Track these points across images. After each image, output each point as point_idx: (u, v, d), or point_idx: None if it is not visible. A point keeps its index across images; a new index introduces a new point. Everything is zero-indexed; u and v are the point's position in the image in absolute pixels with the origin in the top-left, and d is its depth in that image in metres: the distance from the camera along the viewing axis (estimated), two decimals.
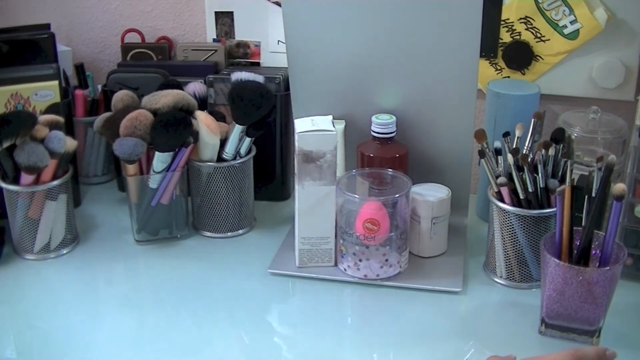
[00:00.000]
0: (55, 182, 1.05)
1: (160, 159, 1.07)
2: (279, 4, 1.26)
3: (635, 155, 0.97)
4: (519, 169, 0.94)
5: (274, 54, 1.32)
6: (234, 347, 0.89)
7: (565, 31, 1.15)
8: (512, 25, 1.17)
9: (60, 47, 1.30)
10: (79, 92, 1.28)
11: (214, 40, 1.36)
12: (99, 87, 1.32)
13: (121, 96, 1.13)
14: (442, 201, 1.03)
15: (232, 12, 1.33)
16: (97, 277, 1.05)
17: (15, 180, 1.04)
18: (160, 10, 1.39)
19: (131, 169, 1.08)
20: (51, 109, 1.15)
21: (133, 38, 1.40)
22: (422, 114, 1.09)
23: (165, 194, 1.10)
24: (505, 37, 1.19)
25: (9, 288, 1.01)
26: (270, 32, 1.31)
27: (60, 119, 1.08)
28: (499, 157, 0.99)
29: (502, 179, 0.95)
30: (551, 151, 0.94)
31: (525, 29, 1.17)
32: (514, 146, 0.98)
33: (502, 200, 0.96)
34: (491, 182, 0.97)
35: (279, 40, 1.30)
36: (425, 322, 0.92)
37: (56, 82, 1.16)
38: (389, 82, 1.08)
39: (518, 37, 1.18)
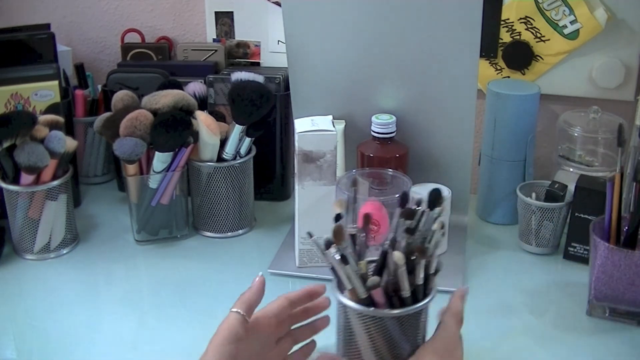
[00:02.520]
0: (55, 182, 1.05)
1: (160, 159, 1.07)
2: (279, 4, 1.26)
3: (635, 155, 0.97)
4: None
5: (274, 54, 1.32)
6: None
7: (565, 31, 1.15)
8: (512, 25, 1.17)
9: (60, 47, 1.30)
10: (79, 92, 1.28)
11: (214, 40, 1.36)
12: (99, 87, 1.32)
13: (121, 96, 1.13)
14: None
15: (232, 12, 1.34)
16: (97, 277, 1.05)
17: (15, 180, 1.04)
18: (160, 10, 1.39)
19: (131, 169, 1.08)
20: (51, 109, 1.15)
21: (133, 38, 1.40)
22: (422, 114, 1.09)
23: (165, 194, 1.10)
24: (505, 37, 1.19)
25: (9, 288, 1.01)
26: (270, 32, 1.31)
27: (60, 119, 1.08)
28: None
29: (374, 279, 0.68)
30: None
31: (525, 29, 1.17)
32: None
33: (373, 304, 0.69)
34: (356, 287, 0.68)
35: (279, 40, 1.30)
36: None
37: (56, 82, 1.16)
38: (389, 82, 1.08)
39: (518, 37, 1.18)
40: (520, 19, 1.17)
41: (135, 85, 1.22)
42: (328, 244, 0.66)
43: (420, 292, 0.68)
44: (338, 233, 0.66)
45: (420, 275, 0.66)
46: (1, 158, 1.03)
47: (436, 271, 0.68)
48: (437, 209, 0.70)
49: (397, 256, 0.64)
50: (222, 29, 1.35)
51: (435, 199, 0.71)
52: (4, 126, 0.99)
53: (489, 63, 1.21)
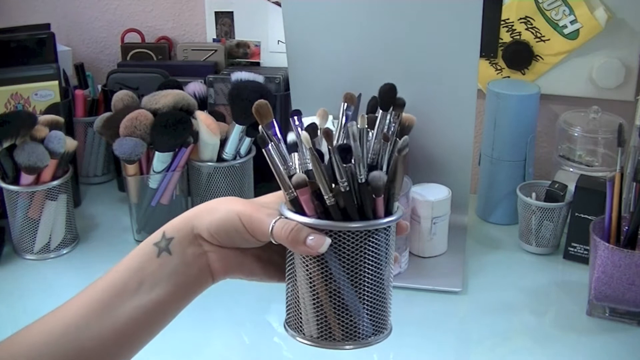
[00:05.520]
0: (55, 182, 1.05)
1: (160, 159, 1.07)
2: (279, 4, 1.26)
3: (635, 155, 0.97)
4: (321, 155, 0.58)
5: (274, 54, 1.32)
6: (234, 347, 0.89)
7: (565, 31, 1.15)
8: (512, 25, 1.17)
9: (60, 47, 1.30)
10: (79, 92, 1.28)
11: (214, 40, 1.36)
12: (99, 87, 1.32)
13: (121, 96, 1.13)
14: (442, 201, 1.03)
15: (232, 12, 1.34)
16: (97, 277, 1.05)
17: (15, 180, 1.04)
18: (160, 10, 1.39)
19: (131, 169, 1.08)
20: (51, 109, 1.15)
21: (133, 38, 1.40)
22: (422, 114, 1.09)
23: (165, 194, 1.10)
24: (505, 37, 1.19)
25: (9, 288, 1.01)
26: (270, 32, 1.31)
27: (60, 119, 1.08)
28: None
29: (299, 176, 0.57)
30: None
31: (525, 29, 1.17)
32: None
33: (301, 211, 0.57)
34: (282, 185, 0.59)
35: (279, 40, 1.30)
36: (425, 322, 0.92)
37: (56, 82, 1.16)
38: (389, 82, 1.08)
39: (518, 37, 1.18)
40: (520, 19, 1.17)
41: (135, 85, 1.22)
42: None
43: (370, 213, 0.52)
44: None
45: (385, 162, 0.54)
46: (1, 158, 1.03)
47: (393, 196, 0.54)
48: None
49: (361, 121, 0.52)
50: (222, 29, 1.35)
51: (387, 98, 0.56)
52: (4, 126, 0.99)
53: (489, 63, 1.21)
